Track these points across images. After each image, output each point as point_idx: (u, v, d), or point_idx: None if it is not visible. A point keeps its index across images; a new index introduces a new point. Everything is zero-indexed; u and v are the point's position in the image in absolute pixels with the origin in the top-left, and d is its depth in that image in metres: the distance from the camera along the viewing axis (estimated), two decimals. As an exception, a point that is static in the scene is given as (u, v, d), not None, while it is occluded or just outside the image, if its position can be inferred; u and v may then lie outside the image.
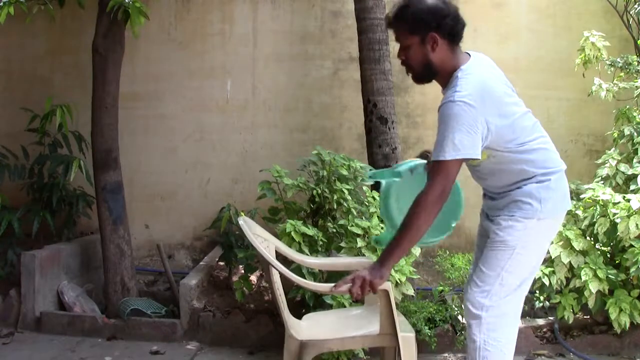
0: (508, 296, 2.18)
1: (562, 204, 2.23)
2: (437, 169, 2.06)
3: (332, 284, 2.12)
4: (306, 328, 2.44)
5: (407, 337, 2.25)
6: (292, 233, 3.20)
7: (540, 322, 3.70)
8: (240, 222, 2.32)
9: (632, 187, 3.55)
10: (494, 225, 2.20)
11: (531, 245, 2.19)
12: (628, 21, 4.34)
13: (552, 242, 3.47)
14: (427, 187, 2.06)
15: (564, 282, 3.46)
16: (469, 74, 2.12)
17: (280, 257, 2.55)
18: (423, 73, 2.23)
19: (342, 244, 3.33)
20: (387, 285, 2.16)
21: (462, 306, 2.27)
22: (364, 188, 3.61)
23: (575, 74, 4.18)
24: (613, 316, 3.31)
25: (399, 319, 2.42)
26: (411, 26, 2.16)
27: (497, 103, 2.12)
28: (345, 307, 3.10)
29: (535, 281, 3.47)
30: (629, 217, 3.29)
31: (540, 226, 2.17)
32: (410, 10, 2.16)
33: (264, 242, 2.50)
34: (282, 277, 2.32)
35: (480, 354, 2.17)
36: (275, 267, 2.26)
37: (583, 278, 3.32)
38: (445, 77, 2.19)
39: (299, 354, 2.26)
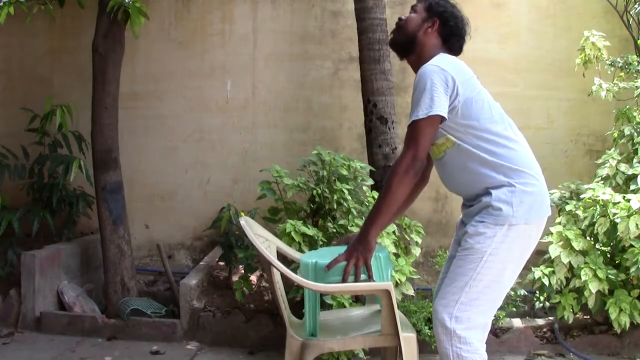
0: (478, 306, 2.09)
1: (539, 209, 2.14)
2: (409, 132, 2.11)
3: (331, 285, 2.12)
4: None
5: (408, 338, 2.24)
6: (292, 233, 3.20)
7: (540, 322, 3.71)
8: (242, 222, 2.31)
9: (632, 187, 3.55)
10: (466, 233, 2.14)
11: (503, 253, 2.08)
12: (628, 21, 4.35)
13: (552, 242, 3.48)
14: (400, 154, 2.12)
15: (564, 282, 3.46)
16: (440, 56, 2.23)
17: (280, 257, 2.55)
18: (403, 41, 2.35)
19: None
20: (389, 285, 2.15)
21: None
22: (364, 188, 3.61)
23: (575, 74, 4.18)
24: (613, 316, 3.31)
25: (400, 319, 2.42)
26: (428, 4, 2.34)
27: (467, 76, 2.18)
28: (345, 307, 3.10)
29: (535, 281, 3.48)
30: (629, 217, 3.29)
31: (513, 233, 2.09)
32: None
33: (265, 242, 2.50)
34: (283, 277, 2.32)
35: None
36: (275, 267, 2.26)
37: (583, 278, 3.32)
38: (419, 63, 2.24)
39: (300, 355, 2.26)
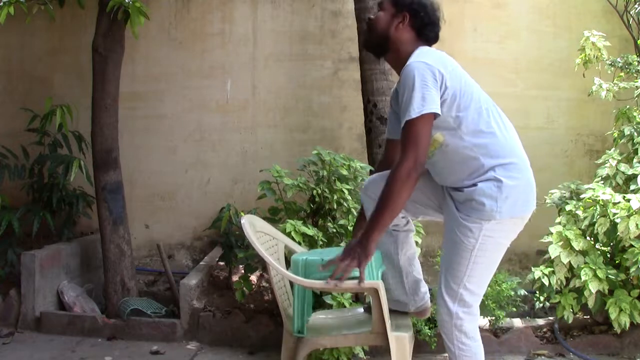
0: (479, 286, 2.20)
1: (525, 203, 2.16)
2: (406, 134, 2.07)
3: (320, 282, 2.13)
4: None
5: (399, 337, 2.24)
6: (292, 233, 3.20)
7: (540, 322, 3.71)
8: (242, 221, 2.32)
9: (632, 187, 3.55)
10: (456, 220, 2.17)
11: (491, 244, 2.15)
12: (628, 21, 4.35)
13: (552, 242, 3.48)
14: (400, 158, 2.07)
15: (564, 282, 3.46)
16: (422, 51, 2.20)
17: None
18: (376, 40, 2.32)
19: (342, 244, 3.33)
20: (377, 284, 2.16)
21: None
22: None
23: (575, 74, 4.18)
24: (613, 316, 3.31)
25: (398, 319, 2.43)
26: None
27: (453, 68, 2.16)
28: (345, 307, 3.10)
29: (535, 281, 3.48)
30: (629, 217, 3.29)
31: (500, 226, 2.13)
32: None
33: (272, 240, 2.51)
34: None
35: (458, 353, 2.19)
36: (272, 266, 2.28)
37: (583, 278, 3.32)
38: (398, 61, 2.24)
39: (295, 350, 2.31)
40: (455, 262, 2.17)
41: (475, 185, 2.12)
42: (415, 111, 2.04)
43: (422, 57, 2.12)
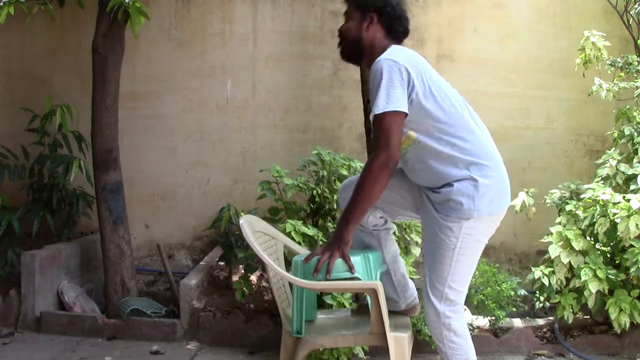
0: (463, 282, 2.24)
1: (500, 200, 2.21)
2: (375, 130, 2.11)
3: (318, 282, 2.14)
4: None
5: (397, 337, 2.25)
6: (292, 233, 3.20)
7: (540, 322, 3.71)
8: (241, 222, 2.32)
9: (632, 187, 3.55)
10: (436, 221, 2.19)
11: (472, 242, 2.18)
12: (628, 21, 4.34)
13: (552, 242, 3.48)
14: (375, 152, 2.10)
15: (564, 282, 3.46)
16: (392, 49, 2.23)
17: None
18: (350, 48, 2.38)
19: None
20: (375, 285, 2.16)
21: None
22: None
23: (575, 74, 4.18)
24: (613, 316, 3.31)
25: (397, 319, 2.43)
26: (361, 2, 2.32)
27: (422, 67, 2.18)
28: (345, 307, 3.10)
29: (535, 281, 3.48)
30: (629, 217, 3.29)
31: (478, 224, 2.17)
32: None
33: (271, 240, 2.51)
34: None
35: (450, 352, 2.22)
36: (270, 266, 2.28)
37: (583, 278, 3.32)
38: (373, 62, 2.24)
39: (294, 350, 2.32)
40: (439, 262, 2.20)
41: (451, 185, 2.15)
42: (379, 108, 2.07)
43: (391, 55, 2.16)
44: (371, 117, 2.11)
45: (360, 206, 2.12)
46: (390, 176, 2.10)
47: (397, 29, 2.32)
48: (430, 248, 2.24)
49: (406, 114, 2.10)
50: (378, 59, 2.16)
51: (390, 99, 2.06)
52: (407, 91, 2.11)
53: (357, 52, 2.35)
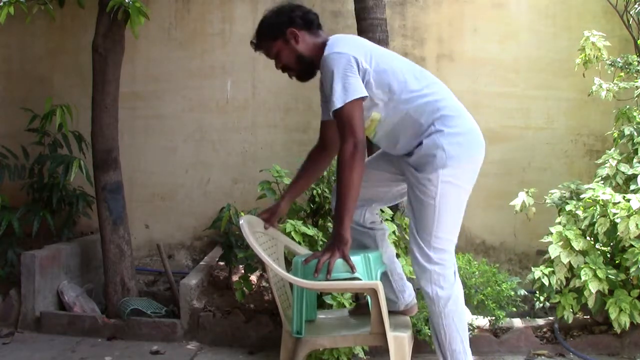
0: (450, 232, 2.29)
1: (470, 145, 2.28)
2: (338, 123, 2.19)
3: (318, 282, 2.16)
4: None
5: (396, 337, 2.25)
6: (292, 233, 3.20)
7: (540, 322, 3.70)
8: (240, 222, 2.33)
9: (632, 187, 3.55)
10: (416, 178, 2.26)
11: (451, 191, 2.24)
12: (628, 21, 4.34)
13: (552, 242, 3.48)
14: (341, 145, 2.18)
15: (564, 282, 3.46)
16: (332, 41, 2.29)
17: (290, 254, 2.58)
18: (301, 68, 2.39)
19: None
20: (375, 285, 2.16)
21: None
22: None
23: (575, 74, 4.18)
24: (613, 316, 3.31)
25: (397, 319, 2.43)
26: (270, 33, 2.36)
27: (367, 49, 2.26)
28: (345, 307, 3.10)
29: (535, 281, 3.48)
30: (629, 217, 3.29)
31: (455, 172, 2.23)
32: (264, 22, 2.39)
33: (271, 240, 2.52)
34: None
35: (443, 311, 2.32)
36: (270, 266, 2.28)
37: (583, 278, 3.32)
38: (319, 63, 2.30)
39: (294, 350, 2.32)
40: (424, 215, 2.26)
41: (421, 143, 2.25)
42: (339, 101, 2.15)
43: (334, 48, 2.22)
44: (331, 114, 2.18)
45: (346, 198, 2.17)
46: (363, 159, 2.18)
47: (310, 23, 2.38)
48: (414, 205, 2.30)
49: (364, 97, 2.17)
50: (324, 55, 2.22)
51: (346, 89, 2.14)
52: (360, 76, 2.19)
53: (308, 67, 2.39)
